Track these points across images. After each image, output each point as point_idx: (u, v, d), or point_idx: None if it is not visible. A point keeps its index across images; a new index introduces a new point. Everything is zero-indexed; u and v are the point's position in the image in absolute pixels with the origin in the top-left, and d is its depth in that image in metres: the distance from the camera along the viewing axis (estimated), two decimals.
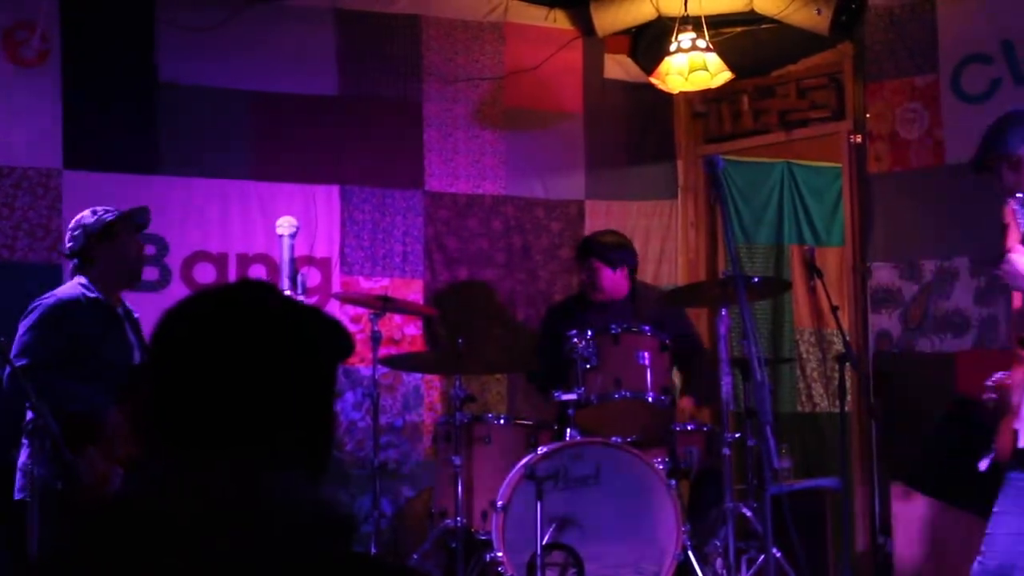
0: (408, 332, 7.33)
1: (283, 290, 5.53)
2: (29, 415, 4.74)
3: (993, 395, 4.45)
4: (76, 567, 1.63)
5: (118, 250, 5.41)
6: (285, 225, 5.78)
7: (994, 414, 4.44)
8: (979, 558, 4.47)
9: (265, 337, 1.72)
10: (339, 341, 1.81)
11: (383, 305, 6.42)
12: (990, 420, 4.45)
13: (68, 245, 5.44)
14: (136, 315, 5.51)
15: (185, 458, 1.68)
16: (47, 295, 5.36)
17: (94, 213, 5.42)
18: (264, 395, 1.70)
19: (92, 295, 5.32)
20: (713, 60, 7.19)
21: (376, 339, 6.35)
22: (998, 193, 4.59)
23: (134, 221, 5.50)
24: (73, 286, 5.38)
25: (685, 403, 6.57)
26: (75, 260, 5.41)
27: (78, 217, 5.44)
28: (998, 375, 4.45)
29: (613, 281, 6.64)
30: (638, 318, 6.38)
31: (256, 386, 1.70)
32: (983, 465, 4.41)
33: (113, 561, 1.61)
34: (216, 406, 1.69)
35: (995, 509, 4.46)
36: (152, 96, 6.96)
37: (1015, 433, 4.31)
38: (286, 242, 5.76)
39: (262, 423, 1.70)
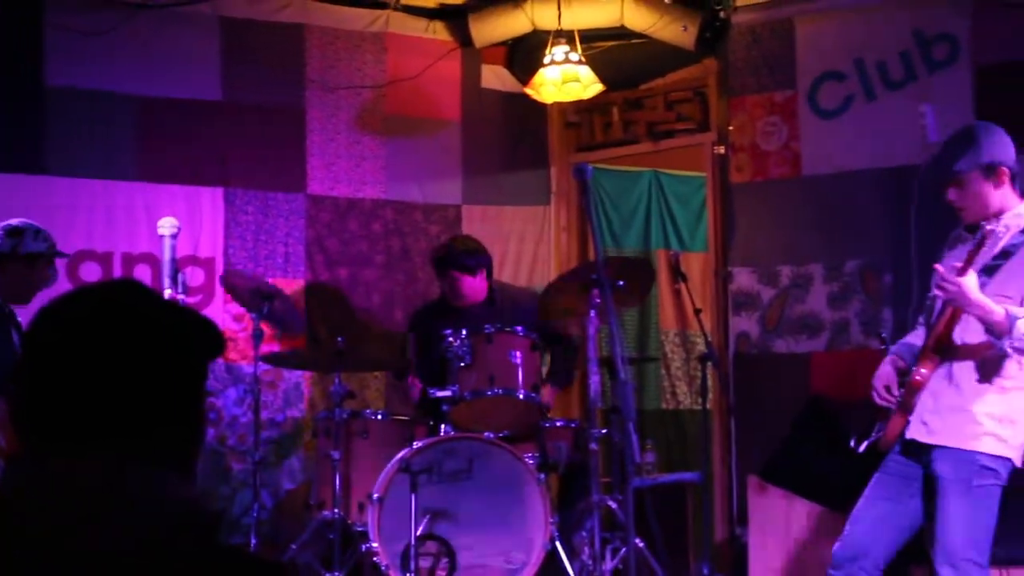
0: None
1: (164, 289, 5.63)
2: None
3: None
4: None
5: (28, 275, 5.52)
6: (166, 226, 5.82)
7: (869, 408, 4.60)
8: (841, 537, 4.56)
9: (136, 335, 1.72)
10: (210, 340, 1.81)
11: None
12: (844, 418, 4.60)
13: None
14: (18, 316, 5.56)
15: (54, 453, 1.68)
16: None
17: (36, 235, 5.54)
18: (134, 392, 1.70)
19: None
20: (585, 72, 7.36)
21: (258, 336, 6.38)
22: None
23: (54, 257, 5.62)
24: None
25: (545, 393, 6.48)
26: None
27: (15, 221, 5.53)
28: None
29: (473, 286, 6.62)
30: (499, 318, 6.40)
31: (126, 383, 1.70)
32: (861, 448, 4.53)
33: None
34: (86, 403, 1.69)
35: (867, 493, 4.55)
36: (39, 99, 6.94)
37: (907, 424, 4.44)
38: (167, 242, 5.80)
39: (131, 420, 1.69)
